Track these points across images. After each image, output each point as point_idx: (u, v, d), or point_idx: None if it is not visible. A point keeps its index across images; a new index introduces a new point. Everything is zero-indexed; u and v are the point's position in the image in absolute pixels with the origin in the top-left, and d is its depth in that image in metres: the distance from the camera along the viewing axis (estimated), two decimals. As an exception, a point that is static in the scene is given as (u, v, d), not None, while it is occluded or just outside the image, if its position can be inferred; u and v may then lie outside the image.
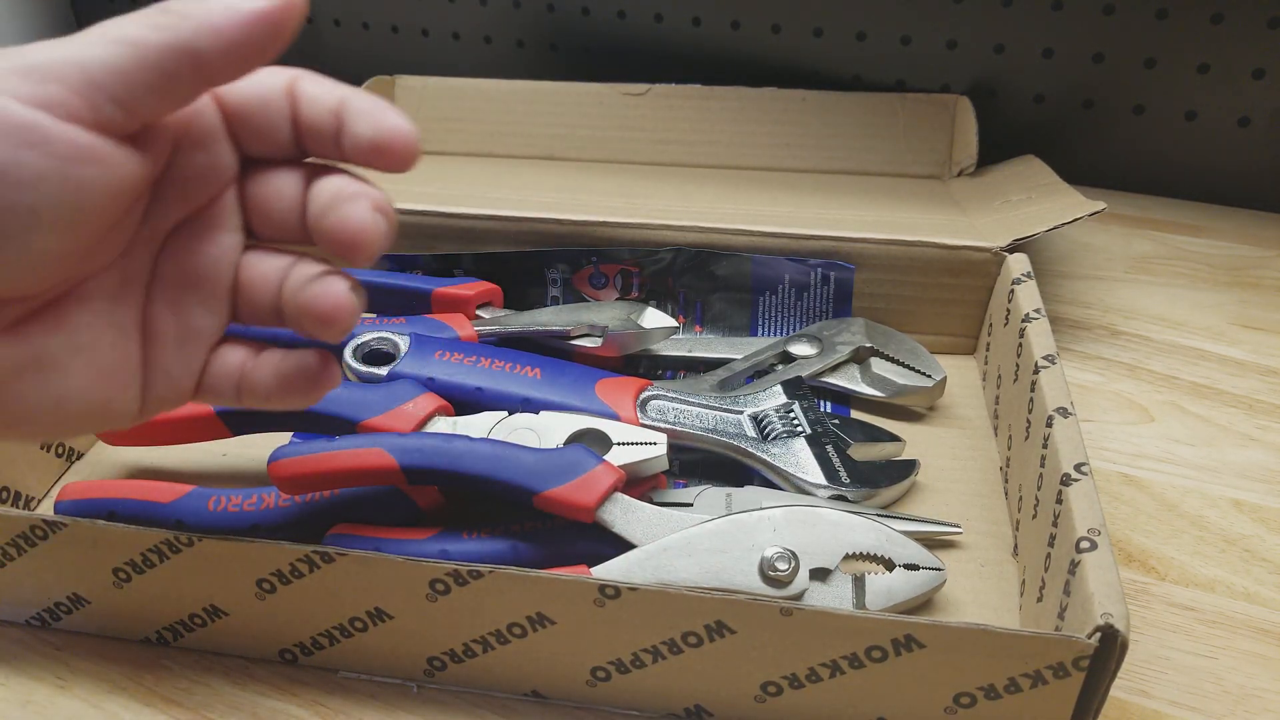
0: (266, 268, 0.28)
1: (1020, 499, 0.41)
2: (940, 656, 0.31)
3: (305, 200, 0.27)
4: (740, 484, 0.43)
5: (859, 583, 0.37)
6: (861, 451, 0.45)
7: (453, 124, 0.75)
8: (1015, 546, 0.41)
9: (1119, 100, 0.69)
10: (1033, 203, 0.58)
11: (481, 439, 0.38)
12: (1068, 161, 0.64)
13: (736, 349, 0.52)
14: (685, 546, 0.36)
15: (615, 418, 0.43)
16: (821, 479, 0.42)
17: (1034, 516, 0.39)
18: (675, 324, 0.51)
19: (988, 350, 0.52)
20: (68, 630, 0.39)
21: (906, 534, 0.41)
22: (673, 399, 0.45)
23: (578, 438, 0.41)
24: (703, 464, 0.45)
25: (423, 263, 0.56)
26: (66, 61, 0.23)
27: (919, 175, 0.68)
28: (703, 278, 0.54)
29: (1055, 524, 0.35)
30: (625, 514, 0.37)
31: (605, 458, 0.39)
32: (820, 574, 0.36)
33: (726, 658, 0.33)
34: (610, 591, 0.32)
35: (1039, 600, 0.36)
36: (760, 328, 0.55)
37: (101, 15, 0.24)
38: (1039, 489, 0.38)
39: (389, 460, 0.37)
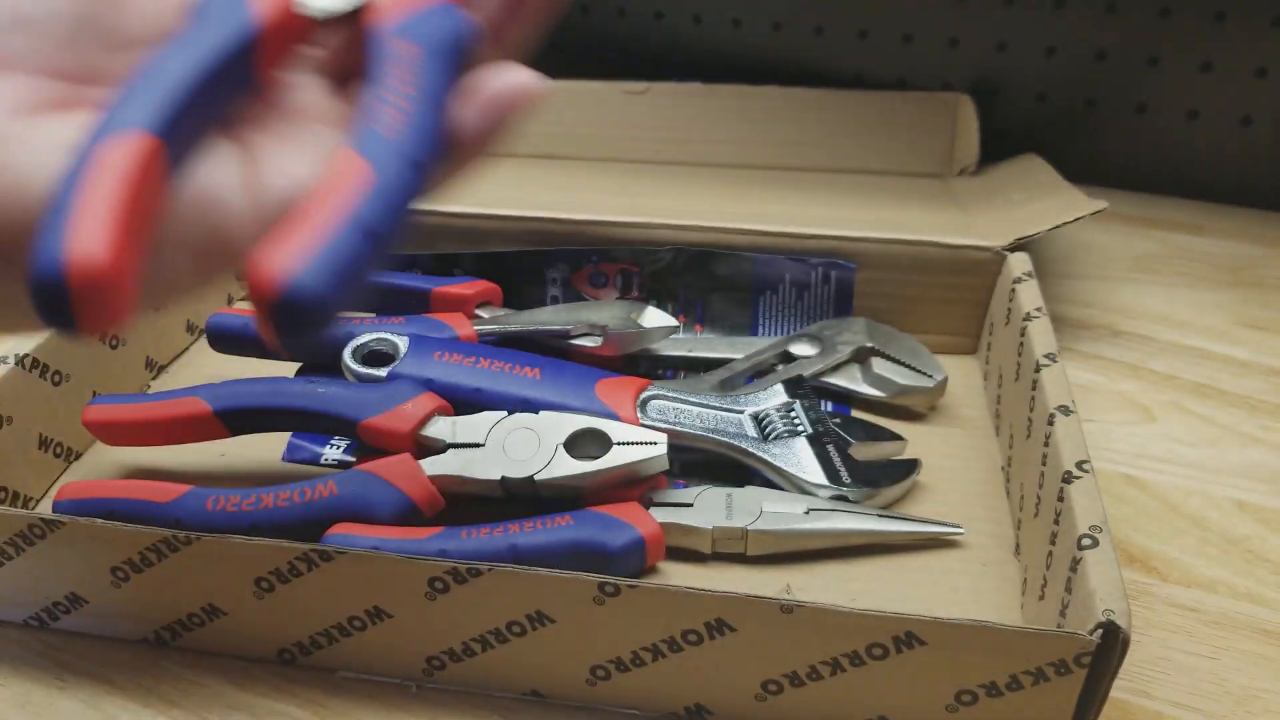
0: None
1: (1022, 498, 0.41)
2: (942, 654, 0.31)
3: None
4: (740, 484, 0.43)
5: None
6: (863, 451, 0.45)
7: (453, 124, 0.74)
8: (1017, 545, 0.41)
9: (1121, 99, 0.69)
10: (1034, 202, 0.57)
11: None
12: (1069, 160, 0.64)
13: (737, 349, 0.52)
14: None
15: (615, 418, 0.43)
16: (822, 479, 0.42)
17: (1035, 515, 0.38)
18: (675, 323, 0.51)
19: (989, 350, 0.52)
20: (66, 630, 0.39)
21: (907, 534, 0.41)
22: (673, 399, 0.45)
23: (578, 437, 0.41)
24: (703, 464, 0.45)
25: (422, 262, 0.56)
26: None
27: (920, 174, 0.68)
28: (703, 277, 0.54)
29: (1057, 522, 0.35)
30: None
31: (605, 456, 0.39)
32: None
33: (727, 656, 0.33)
34: (610, 589, 0.32)
35: (1041, 599, 0.36)
36: (761, 327, 0.55)
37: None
38: (1040, 487, 0.38)
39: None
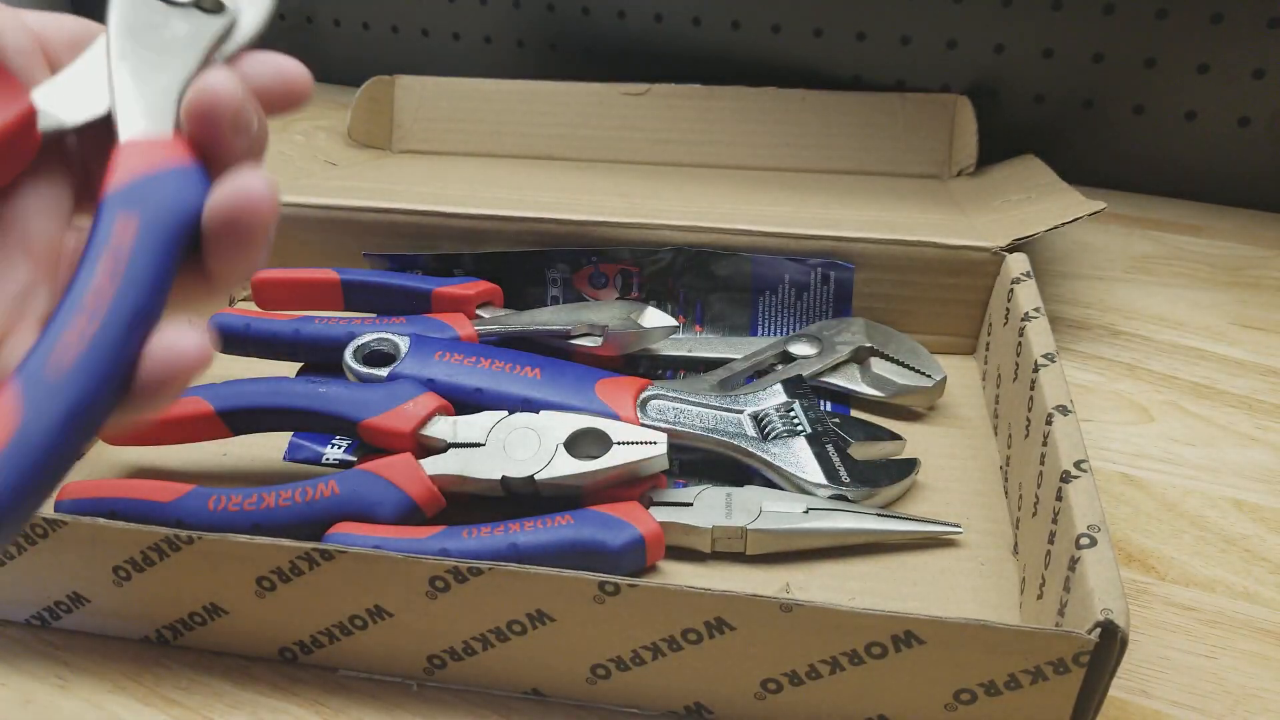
0: None
1: (1020, 497, 0.41)
2: (940, 653, 0.31)
3: None
4: (740, 484, 0.43)
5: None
6: (862, 450, 0.45)
7: (453, 124, 0.75)
8: (1015, 545, 0.41)
9: (1119, 100, 0.69)
10: (1032, 202, 0.58)
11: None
12: (1067, 161, 0.65)
13: (736, 349, 0.52)
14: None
15: (615, 417, 0.43)
16: (821, 478, 0.42)
17: (1034, 514, 0.39)
18: (675, 324, 0.51)
19: (987, 350, 0.52)
20: (68, 629, 0.39)
21: (906, 534, 0.41)
22: (673, 399, 0.45)
23: (578, 437, 0.41)
24: (703, 464, 0.45)
25: (423, 263, 0.56)
26: None
27: (919, 175, 0.69)
28: (703, 278, 0.54)
29: (1055, 521, 0.35)
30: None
31: (605, 455, 0.39)
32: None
33: (726, 655, 0.33)
34: (610, 588, 0.32)
35: (1039, 598, 0.36)
36: (760, 327, 0.55)
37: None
38: (1039, 486, 0.38)
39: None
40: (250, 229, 0.23)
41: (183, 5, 0.24)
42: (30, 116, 0.23)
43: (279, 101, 0.25)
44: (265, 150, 0.25)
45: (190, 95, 0.23)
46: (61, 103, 0.24)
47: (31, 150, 0.23)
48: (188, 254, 0.23)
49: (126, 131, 0.23)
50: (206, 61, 0.24)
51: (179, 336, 0.21)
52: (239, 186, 0.22)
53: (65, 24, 0.25)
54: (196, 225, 0.23)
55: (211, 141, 0.23)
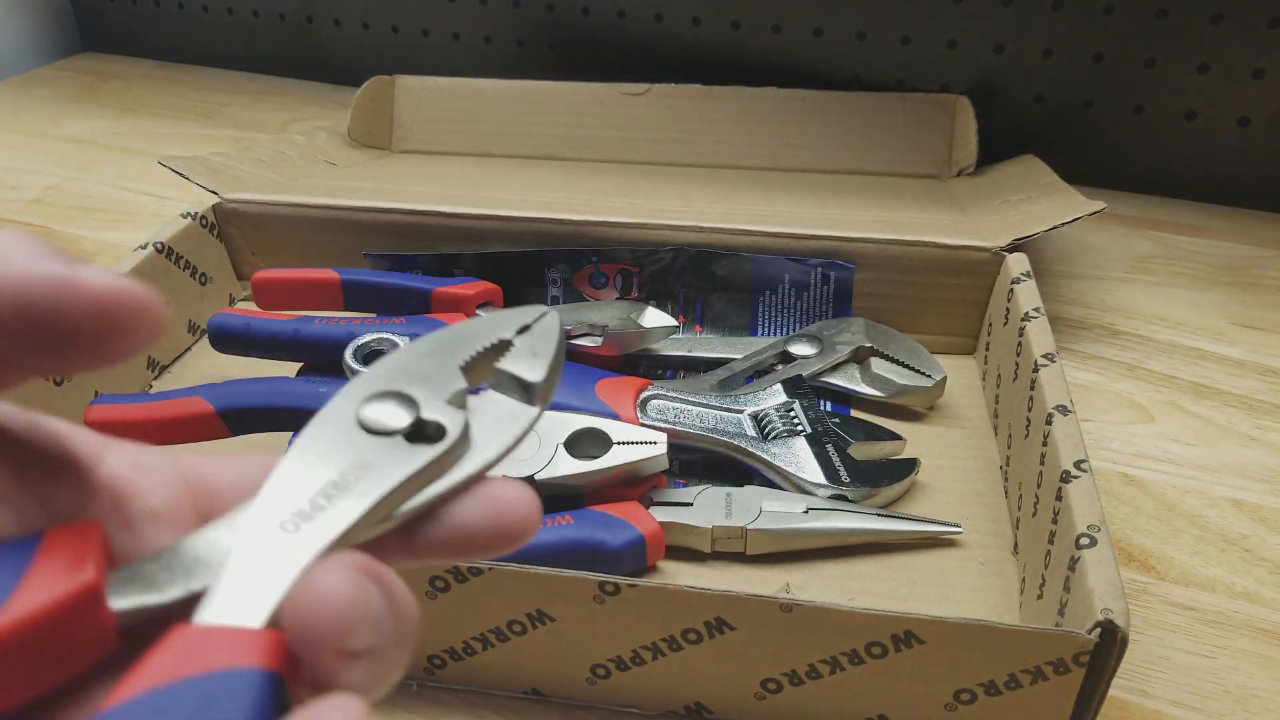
0: None
1: (1020, 497, 0.41)
2: (940, 653, 0.31)
3: None
4: (740, 484, 0.43)
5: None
6: (862, 450, 0.45)
7: (453, 124, 0.75)
8: (1015, 544, 0.41)
9: (1119, 100, 0.69)
10: (1032, 202, 0.58)
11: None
12: (1067, 161, 0.65)
13: (736, 349, 0.52)
14: None
15: (615, 417, 0.43)
16: (821, 478, 0.42)
17: (1034, 514, 0.39)
18: (675, 323, 0.51)
19: (987, 350, 0.52)
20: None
21: (906, 533, 0.41)
22: (673, 399, 0.45)
23: (578, 437, 0.41)
24: (703, 464, 0.45)
25: (423, 263, 0.56)
26: None
27: (919, 175, 0.68)
28: (703, 278, 0.54)
29: (1055, 521, 0.35)
30: None
31: (605, 455, 0.39)
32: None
33: (726, 654, 0.33)
34: (610, 588, 0.32)
35: (1039, 598, 0.36)
36: (760, 327, 0.55)
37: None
38: (1039, 486, 0.38)
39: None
40: None
41: (390, 434, 0.18)
42: (92, 594, 0.16)
43: (486, 544, 0.19)
44: (394, 674, 0.17)
45: (292, 591, 0.16)
46: (165, 576, 0.17)
47: (103, 639, 0.16)
48: None
49: (204, 613, 0.16)
50: (390, 508, 0.18)
51: None
52: None
53: (246, 468, 0.20)
54: None
55: (306, 659, 0.16)
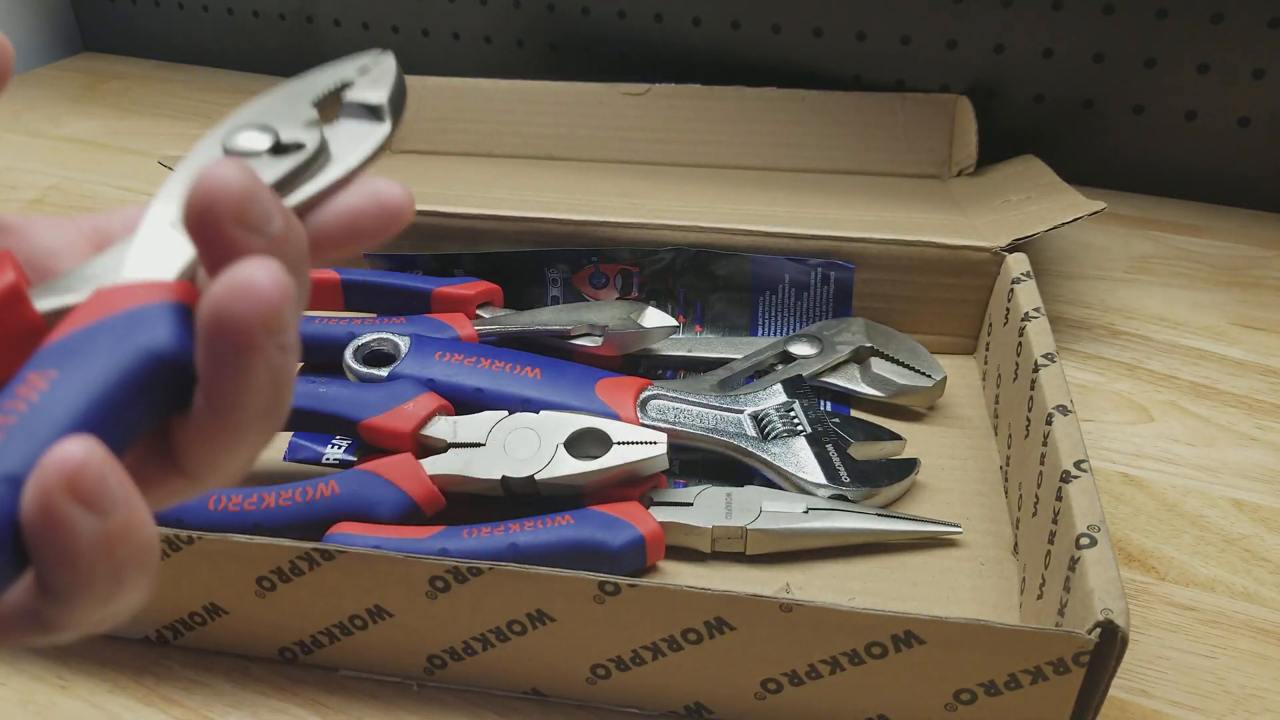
0: None
1: (1020, 497, 0.41)
2: (940, 653, 0.31)
3: None
4: (740, 484, 0.43)
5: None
6: (862, 450, 0.45)
7: (453, 124, 0.75)
8: (1015, 544, 0.41)
9: (1119, 100, 0.69)
10: (1032, 202, 0.58)
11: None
12: (1067, 161, 0.64)
13: (736, 349, 0.52)
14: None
15: (615, 417, 0.43)
16: (821, 478, 0.42)
17: (1034, 514, 0.39)
18: (675, 324, 0.51)
19: (987, 350, 0.52)
20: (68, 629, 0.39)
21: (906, 534, 0.41)
22: (673, 399, 0.45)
23: (578, 437, 0.41)
24: (703, 464, 0.45)
25: (423, 263, 0.56)
26: None
27: (918, 175, 0.68)
28: (703, 278, 0.54)
29: (1055, 521, 0.35)
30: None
31: (605, 455, 0.39)
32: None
33: (726, 654, 0.33)
34: (610, 588, 0.32)
35: (1039, 598, 0.36)
36: (760, 327, 0.55)
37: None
38: (1039, 486, 0.38)
39: None
40: (239, 334, 0.17)
41: (255, 155, 0.21)
42: (15, 292, 0.19)
43: (373, 225, 0.21)
44: (303, 261, 0.20)
45: (192, 184, 0.18)
46: (84, 280, 0.20)
47: (33, 332, 0.19)
48: (153, 415, 0.18)
49: (118, 275, 0.19)
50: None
51: None
52: (232, 279, 0.17)
53: (132, 212, 0.23)
54: (167, 376, 0.18)
55: (214, 245, 0.18)
